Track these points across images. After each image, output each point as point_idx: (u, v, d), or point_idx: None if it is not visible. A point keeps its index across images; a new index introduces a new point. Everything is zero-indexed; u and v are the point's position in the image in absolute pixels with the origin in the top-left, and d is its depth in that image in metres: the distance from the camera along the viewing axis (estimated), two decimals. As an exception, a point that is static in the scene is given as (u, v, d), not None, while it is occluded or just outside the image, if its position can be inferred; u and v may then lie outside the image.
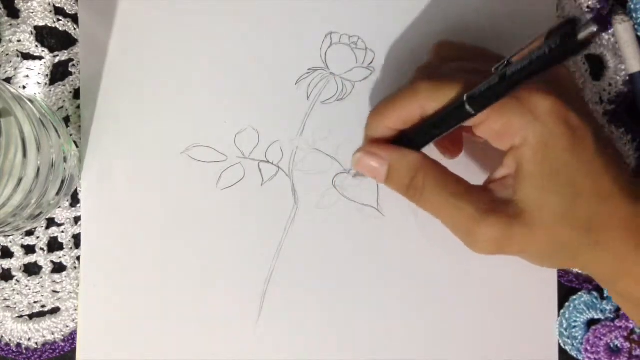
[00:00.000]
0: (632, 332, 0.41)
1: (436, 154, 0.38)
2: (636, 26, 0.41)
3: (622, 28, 0.41)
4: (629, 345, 0.41)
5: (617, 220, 0.34)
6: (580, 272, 0.42)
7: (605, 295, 0.42)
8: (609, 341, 0.41)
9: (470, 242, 0.35)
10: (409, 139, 0.36)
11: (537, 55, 0.30)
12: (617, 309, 0.41)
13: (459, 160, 0.40)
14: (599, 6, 0.42)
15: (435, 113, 0.35)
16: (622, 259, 0.34)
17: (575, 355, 0.41)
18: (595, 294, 0.42)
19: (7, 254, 0.42)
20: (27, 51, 0.42)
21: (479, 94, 0.32)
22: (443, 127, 0.35)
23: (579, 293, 0.42)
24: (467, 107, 0.33)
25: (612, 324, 0.41)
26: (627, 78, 0.42)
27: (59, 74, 0.42)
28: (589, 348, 0.41)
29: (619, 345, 0.41)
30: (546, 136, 0.33)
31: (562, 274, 0.42)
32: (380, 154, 0.36)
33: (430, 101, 0.35)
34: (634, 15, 0.41)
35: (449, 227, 0.36)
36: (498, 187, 0.35)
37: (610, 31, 0.42)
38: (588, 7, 0.42)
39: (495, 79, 0.32)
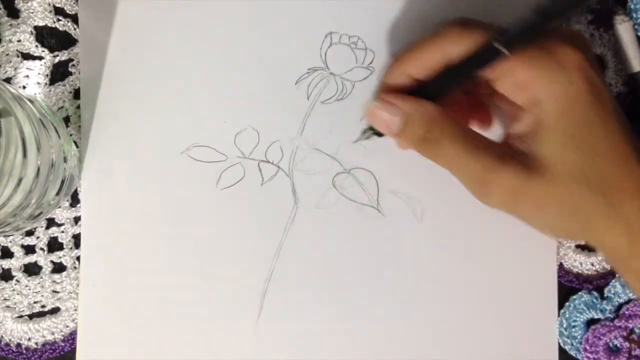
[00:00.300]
0: (632, 332, 0.41)
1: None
2: (636, 26, 0.41)
3: (622, 28, 0.41)
4: (628, 345, 0.41)
5: (632, 184, 0.34)
6: (580, 271, 0.42)
7: (605, 295, 0.42)
8: (608, 341, 0.41)
9: (485, 193, 0.34)
10: (427, 90, 0.35)
11: None
12: (617, 309, 0.41)
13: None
14: (599, 6, 0.42)
15: (462, 58, 0.34)
16: (637, 230, 0.34)
17: (574, 355, 0.41)
18: (595, 293, 0.42)
19: (7, 254, 0.42)
20: (27, 51, 0.42)
21: (512, 31, 0.32)
22: (467, 73, 0.34)
23: (579, 293, 0.42)
24: (497, 45, 0.32)
25: (611, 324, 0.41)
26: (627, 78, 0.42)
27: (59, 74, 0.42)
28: (588, 347, 0.41)
29: (618, 345, 0.41)
30: (571, 88, 0.33)
31: (562, 274, 0.42)
32: (396, 103, 0.35)
33: (456, 45, 0.34)
34: (634, 15, 0.41)
35: (462, 180, 0.35)
36: (516, 142, 0.35)
37: (610, 31, 0.42)
38: (588, 7, 0.42)
39: (531, 15, 0.31)
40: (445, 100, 0.36)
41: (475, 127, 0.39)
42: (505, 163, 0.34)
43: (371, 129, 0.38)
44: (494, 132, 0.37)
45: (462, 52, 0.34)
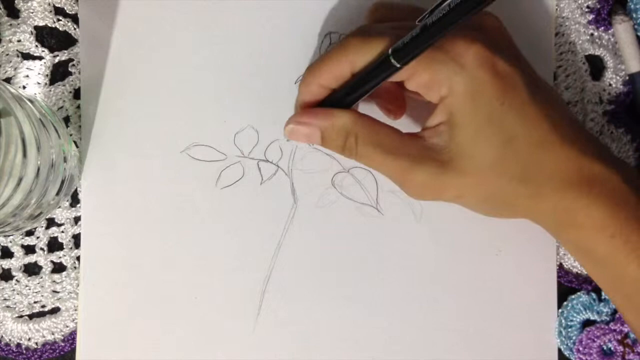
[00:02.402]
0: (626, 336, 0.41)
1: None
2: (636, 26, 0.41)
3: (622, 28, 0.41)
4: (622, 349, 0.41)
5: (555, 168, 0.34)
6: (580, 272, 0.42)
7: (602, 297, 0.42)
8: (602, 343, 0.41)
9: (406, 189, 0.36)
10: (341, 98, 0.36)
11: (455, 2, 0.31)
12: (614, 312, 0.41)
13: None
14: (598, 6, 0.42)
15: (364, 68, 0.35)
16: (564, 209, 0.34)
17: (568, 355, 0.41)
18: (593, 295, 0.42)
19: (7, 254, 0.42)
20: (27, 51, 0.42)
21: (402, 46, 0.33)
22: (371, 83, 0.35)
23: (578, 293, 0.42)
24: (392, 60, 0.33)
25: (606, 327, 0.41)
26: (627, 78, 0.42)
27: (59, 74, 0.42)
28: (581, 349, 0.41)
29: (612, 348, 0.41)
30: (473, 84, 0.33)
31: (562, 274, 0.42)
32: (310, 122, 0.36)
33: (359, 56, 0.35)
34: (634, 15, 0.41)
35: (388, 178, 0.36)
36: (431, 134, 0.35)
37: (610, 31, 0.42)
38: (588, 7, 0.42)
39: (417, 30, 0.32)
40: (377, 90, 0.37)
41: (390, 117, 0.40)
42: (421, 161, 0.35)
43: None
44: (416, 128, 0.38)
45: (364, 63, 0.35)
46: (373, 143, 0.36)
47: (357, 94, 0.36)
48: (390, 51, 0.33)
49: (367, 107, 0.39)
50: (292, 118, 0.37)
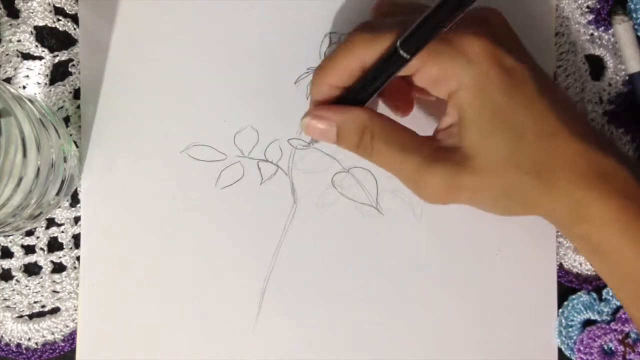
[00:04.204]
0: (627, 335, 0.41)
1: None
2: (636, 26, 0.41)
3: (622, 28, 0.41)
4: (622, 349, 0.41)
5: (566, 161, 0.34)
6: (580, 272, 0.42)
7: (603, 297, 0.42)
8: (602, 343, 0.41)
9: (420, 191, 0.35)
10: (354, 96, 0.36)
11: None
12: (614, 312, 0.41)
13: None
14: (598, 6, 0.42)
15: (373, 63, 0.35)
16: (576, 202, 0.34)
17: (568, 355, 0.41)
18: (594, 295, 0.42)
19: (7, 254, 0.42)
20: (27, 51, 0.42)
21: (409, 36, 0.33)
22: (382, 77, 0.35)
23: (578, 293, 0.42)
24: (401, 52, 0.33)
25: (607, 327, 0.41)
26: (627, 78, 0.42)
27: (59, 74, 0.42)
28: (581, 349, 0.41)
29: (613, 348, 0.41)
30: (481, 78, 0.33)
31: (562, 274, 0.42)
32: (327, 116, 0.36)
33: (368, 51, 0.35)
34: (634, 15, 0.41)
35: (400, 179, 0.36)
36: (445, 136, 0.35)
37: (610, 31, 0.42)
38: (588, 7, 0.42)
39: (422, 18, 0.32)
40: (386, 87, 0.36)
41: (397, 114, 0.39)
42: (435, 160, 0.34)
43: None
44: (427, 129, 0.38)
45: (373, 58, 0.35)
46: (389, 141, 0.35)
47: (369, 90, 0.36)
48: (398, 43, 0.33)
49: (373, 107, 0.39)
50: (308, 112, 0.37)
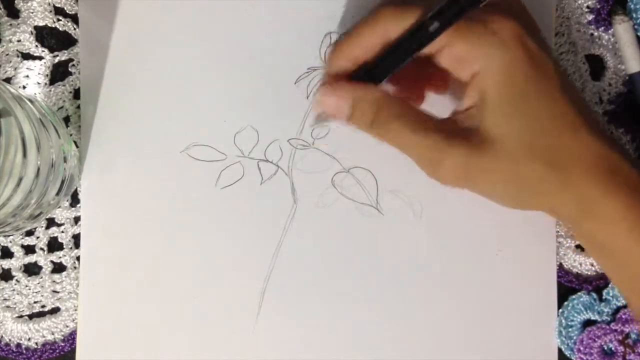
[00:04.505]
0: (627, 336, 0.41)
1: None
2: (636, 26, 0.41)
3: (622, 28, 0.41)
4: (622, 349, 0.41)
5: (581, 155, 0.34)
6: (580, 272, 0.42)
7: (603, 297, 0.42)
8: (603, 344, 0.41)
9: (435, 172, 0.35)
10: (370, 72, 0.36)
11: None
12: (615, 312, 0.41)
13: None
14: (598, 6, 0.42)
15: (399, 37, 0.34)
16: (586, 198, 0.34)
17: (568, 355, 0.41)
18: (594, 295, 0.42)
19: (7, 254, 0.42)
20: (27, 51, 0.42)
21: (440, 10, 0.33)
22: (406, 52, 0.35)
23: (578, 293, 0.42)
24: (431, 25, 0.33)
25: (607, 327, 0.41)
26: (627, 78, 0.42)
27: (59, 74, 0.42)
28: (581, 349, 0.41)
29: (613, 348, 0.41)
30: (508, 60, 0.33)
31: (562, 274, 0.42)
32: (342, 91, 0.36)
33: (393, 25, 0.34)
34: (634, 15, 0.41)
35: (414, 160, 0.35)
36: (463, 118, 0.35)
37: (610, 31, 0.42)
38: (588, 7, 0.42)
39: None
40: (397, 76, 0.36)
41: (432, 93, 0.39)
42: (453, 141, 0.34)
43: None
44: (442, 111, 0.37)
45: (399, 32, 0.34)
46: (404, 119, 0.35)
47: (388, 67, 0.35)
48: (428, 16, 0.33)
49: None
50: (321, 87, 0.37)
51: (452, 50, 0.34)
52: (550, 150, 0.34)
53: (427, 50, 0.34)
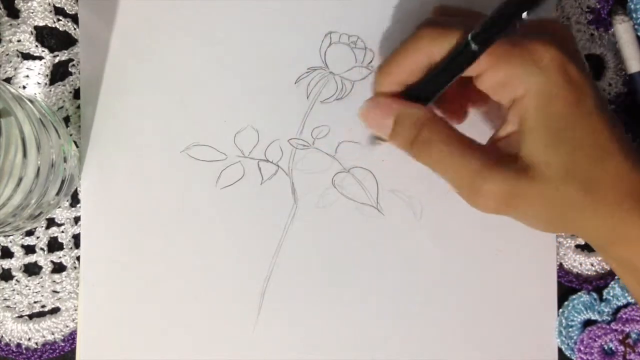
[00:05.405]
0: (628, 336, 0.41)
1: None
2: (636, 26, 0.41)
3: (622, 28, 0.41)
4: (623, 349, 0.41)
5: (615, 180, 0.34)
6: (580, 272, 0.42)
7: (603, 297, 0.42)
8: (603, 343, 0.41)
9: (475, 198, 0.34)
10: (416, 94, 0.36)
11: None
12: (615, 312, 0.41)
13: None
14: (598, 6, 0.42)
15: (442, 59, 0.34)
16: (618, 221, 0.34)
17: (569, 355, 0.41)
18: (594, 295, 0.42)
19: (7, 254, 0.42)
20: (27, 51, 0.42)
21: (481, 29, 0.33)
22: (449, 73, 0.34)
23: (578, 293, 0.42)
24: (472, 45, 0.33)
25: (607, 327, 0.41)
26: (627, 78, 0.42)
27: (59, 74, 0.42)
28: (582, 349, 0.41)
29: (613, 348, 0.41)
30: (549, 86, 0.33)
31: (562, 274, 0.42)
32: (386, 106, 0.36)
33: (436, 46, 0.34)
34: (634, 15, 0.41)
35: (452, 184, 0.35)
36: (503, 144, 0.35)
37: (610, 31, 0.42)
38: (588, 7, 0.42)
39: (494, 12, 0.32)
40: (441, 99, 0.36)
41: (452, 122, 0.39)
42: (494, 167, 0.34)
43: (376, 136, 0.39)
44: (483, 136, 0.37)
45: (443, 54, 0.34)
46: (446, 140, 0.34)
47: (434, 88, 0.35)
48: (470, 36, 0.33)
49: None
50: (366, 101, 0.37)
51: (494, 74, 0.34)
52: (586, 176, 0.33)
53: (469, 72, 0.34)
